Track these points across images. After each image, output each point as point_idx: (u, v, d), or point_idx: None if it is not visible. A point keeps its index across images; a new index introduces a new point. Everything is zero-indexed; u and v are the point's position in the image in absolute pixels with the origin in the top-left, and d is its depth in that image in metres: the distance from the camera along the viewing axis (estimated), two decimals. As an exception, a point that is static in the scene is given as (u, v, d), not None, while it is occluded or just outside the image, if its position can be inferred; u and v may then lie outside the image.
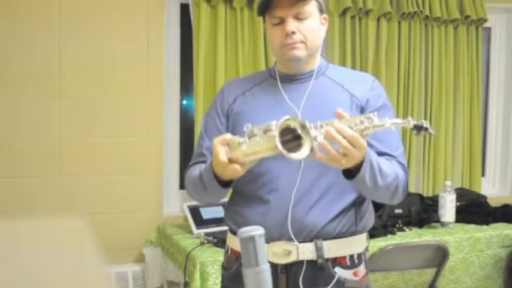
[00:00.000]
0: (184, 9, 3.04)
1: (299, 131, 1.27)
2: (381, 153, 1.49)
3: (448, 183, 2.97)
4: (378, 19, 3.27)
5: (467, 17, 3.40)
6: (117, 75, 2.87)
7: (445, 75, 3.43)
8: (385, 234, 2.72)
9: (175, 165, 3.08)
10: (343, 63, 3.20)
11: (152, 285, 2.84)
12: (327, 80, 1.58)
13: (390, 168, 1.46)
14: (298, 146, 1.27)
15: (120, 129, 2.88)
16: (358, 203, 1.55)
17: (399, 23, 3.31)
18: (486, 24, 3.55)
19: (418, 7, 3.29)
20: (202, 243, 2.48)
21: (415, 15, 3.30)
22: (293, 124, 1.27)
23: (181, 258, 2.51)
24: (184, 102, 3.17)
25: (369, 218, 1.60)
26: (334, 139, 1.26)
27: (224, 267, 1.65)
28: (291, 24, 1.49)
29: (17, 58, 2.71)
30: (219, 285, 2.29)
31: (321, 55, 1.64)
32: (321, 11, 1.57)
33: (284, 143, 1.25)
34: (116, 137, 2.88)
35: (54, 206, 2.76)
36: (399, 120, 1.27)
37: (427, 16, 3.33)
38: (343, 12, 3.18)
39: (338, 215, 1.51)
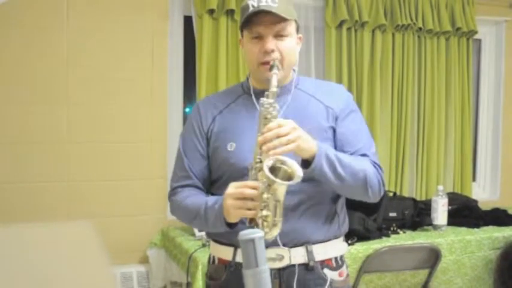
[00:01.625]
0: (188, 21, 3.11)
1: (284, 166, 1.37)
2: (354, 153, 1.54)
3: (440, 187, 3.01)
4: (373, 31, 3.35)
5: (458, 29, 3.48)
6: (123, 84, 2.93)
7: (437, 85, 3.50)
8: (380, 237, 2.76)
9: (178, 170, 3.14)
10: (339, 74, 3.28)
11: (156, 286, 2.90)
12: (300, 93, 1.60)
13: (353, 160, 1.49)
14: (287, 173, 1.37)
15: (125, 136, 2.95)
16: (339, 211, 1.61)
17: (393, 34, 3.39)
18: (476, 36, 3.63)
19: (412, 19, 3.38)
20: (204, 245, 2.53)
21: (408, 28, 3.39)
22: (277, 164, 1.37)
23: (184, 259, 2.57)
24: (187, 110, 3.23)
25: (347, 222, 1.66)
26: (275, 136, 1.36)
27: (212, 278, 1.61)
28: (271, 43, 1.49)
29: (28, 68, 2.78)
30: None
31: (293, 69, 1.64)
32: (297, 31, 1.58)
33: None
34: (122, 143, 2.95)
35: (62, 210, 2.82)
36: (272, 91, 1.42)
37: (420, 28, 3.42)
38: (340, 25, 3.27)
39: (324, 223, 1.55)
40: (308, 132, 1.45)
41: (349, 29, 3.30)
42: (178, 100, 3.15)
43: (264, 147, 1.36)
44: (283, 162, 1.36)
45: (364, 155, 1.56)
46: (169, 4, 3.04)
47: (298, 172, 1.34)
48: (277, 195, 1.36)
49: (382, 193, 1.57)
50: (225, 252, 1.57)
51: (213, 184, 1.63)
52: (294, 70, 1.64)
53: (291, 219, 1.50)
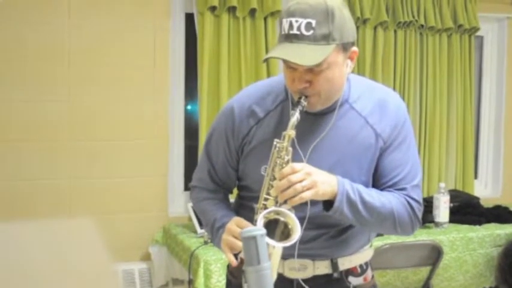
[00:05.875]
0: (189, 18, 3.11)
1: (281, 218, 1.27)
2: (391, 185, 1.44)
3: (442, 185, 3.02)
4: (375, 28, 3.34)
5: (460, 26, 3.47)
6: (125, 81, 2.94)
7: (439, 82, 3.49)
8: (382, 234, 2.69)
9: (180, 167, 3.15)
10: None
11: (158, 283, 2.91)
12: (354, 114, 1.43)
13: (380, 200, 1.39)
14: (287, 227, 1.27)
15: (127, 133, 2.95)
16: None
17: (395, 31, 3.38)
18: (478, 33, 3.61)
19: (414, 16, 3.36)
20: (206, 243, 2.53)
21: (410, 24, 3.38)
22: (272, 217, 1.27)
23: (186, 256, 2.58)
24: (189, 107, 3.24)
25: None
26: (287, 184, 1.27)
27: (234, 276, 1.56)
28: (300, 81, 1.31)
29: (29, 65, 2.79)
30: (222, 282, 2.37)
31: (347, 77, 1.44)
32: (346, 49, 1.33)
33: (282, 234, 1.27)
34: (123, 140, 2.95)
35: (64, 207, 2.83)
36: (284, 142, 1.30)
37: (422, 25, 3.41)
38: (342, 21, 3.27)
39: (353, 239, 1.51)
40: (351, 159, 1.40)
41: (351, 26, 3.29)
42: (180, 97, 3.16)
43: (280, 196, 1.28)
44: (278, 213, 1.27)
45: (402, 188, 1.43)
46: (171, 1, 3.04)
47: (297, 229, 1.24)
48: (274, 255, 1.27)
49: (415, 229, 1.48)
50: None
51: (240, 189, 1.58)
52: (347, 78, 1.43)
53: (318, 239, 1.47)
